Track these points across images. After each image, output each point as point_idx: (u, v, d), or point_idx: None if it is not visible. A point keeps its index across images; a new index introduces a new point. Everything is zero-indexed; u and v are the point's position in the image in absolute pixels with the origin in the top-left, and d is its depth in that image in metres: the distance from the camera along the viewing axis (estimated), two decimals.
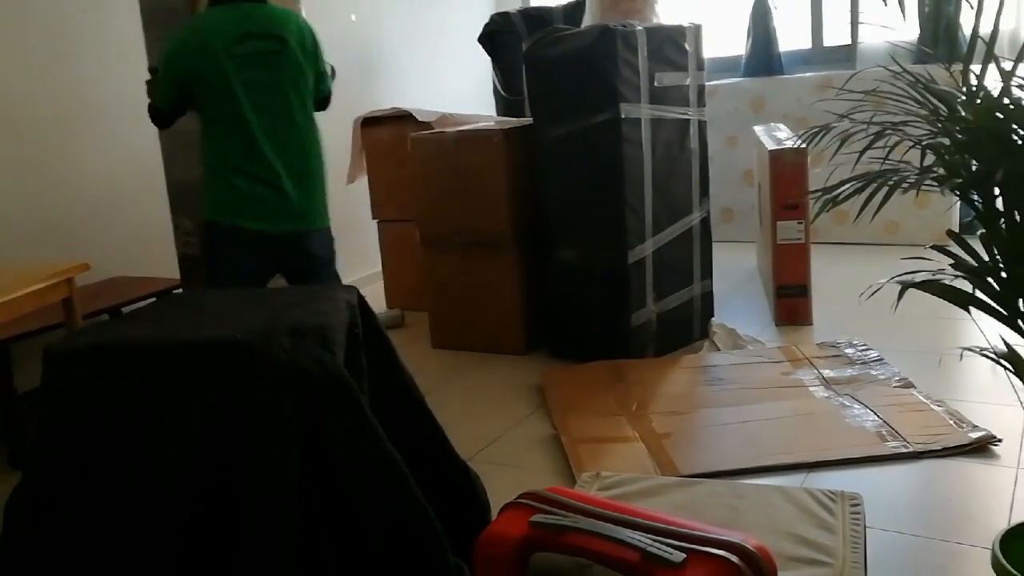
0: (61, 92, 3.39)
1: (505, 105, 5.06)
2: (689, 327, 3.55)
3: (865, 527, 1.65)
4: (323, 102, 2.87)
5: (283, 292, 1.87)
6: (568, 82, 3.26)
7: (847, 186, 1.49)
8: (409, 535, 1.61)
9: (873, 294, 1.68)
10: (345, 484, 1.58)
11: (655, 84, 3.27)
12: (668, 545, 1.18)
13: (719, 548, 1.18)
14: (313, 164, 2.71)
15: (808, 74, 5.12)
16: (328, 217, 2.82)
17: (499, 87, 5.10)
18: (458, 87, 5.67)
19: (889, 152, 1.50)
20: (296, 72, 2.63)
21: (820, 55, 5.38)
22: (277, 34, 2.59)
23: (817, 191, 1.54)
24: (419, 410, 1.91)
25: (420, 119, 4.20)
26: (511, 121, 4.04)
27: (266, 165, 2.60)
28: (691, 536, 1.21)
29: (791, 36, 5.41)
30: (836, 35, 5.33)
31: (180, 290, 3.25)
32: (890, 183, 1.44)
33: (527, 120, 3.65)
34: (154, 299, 3.04)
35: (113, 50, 3.54)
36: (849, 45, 5.21)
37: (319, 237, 2.77)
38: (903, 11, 1.61)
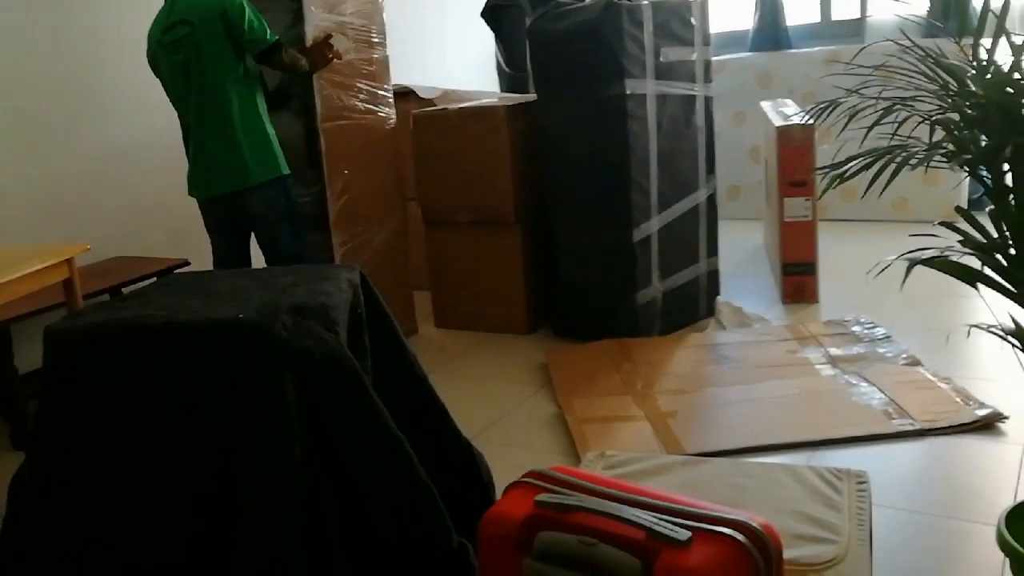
0: (61, 70, 3.36)
1: (509, 81, 5.01)
2: (695, 305, 3.53)
3: (871, 505, 1.64)
4: (264, 58, 2.85)
5: (285, 272, 1.85)
6: (572, 57, 3.23)
7: (855, 163, 1.47)
8: (412, 515, 1.61)
9: (881, 272, 1.66)
10: (348, 464, 1.58)
11: (661, 59, 3.23)
12: (673, 524, 1.18)
13: (724, 526, 1.17)
14: (227, 127, 2.84)
15: (816, 48, 5.07)
16: (263, 173, 2.87)
17: (502, 63, 5.06)
18: (461, 63, 5.62)
19: (898, 128, 1.48)
20: (203, 49, 2.79)
21: (828, 29, 5.31)
22: (187, 18, 2.80)
23: (824, 168, 1.52)
24: (422, 390, 1.90)
25: (422, 96, 4.17)
26: (515, 97, 4.01)
27: (193, 137, 2.91)
28: (696, 515, 1.21)
29: (799, 9, 5.35)
30: (845, 8, 5.26)
31: (185, 268, 3.25)
32: (898, 159, 1.42)
33: (531, 96, 3.62)
34: (155, 279, 3.04)
35: (114, 28, 3.51)
36: (858, 19, 5.15)
37: (253, 195, 2.88)
38: None
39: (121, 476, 1.56)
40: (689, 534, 1.15)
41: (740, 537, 1.15)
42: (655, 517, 1.19)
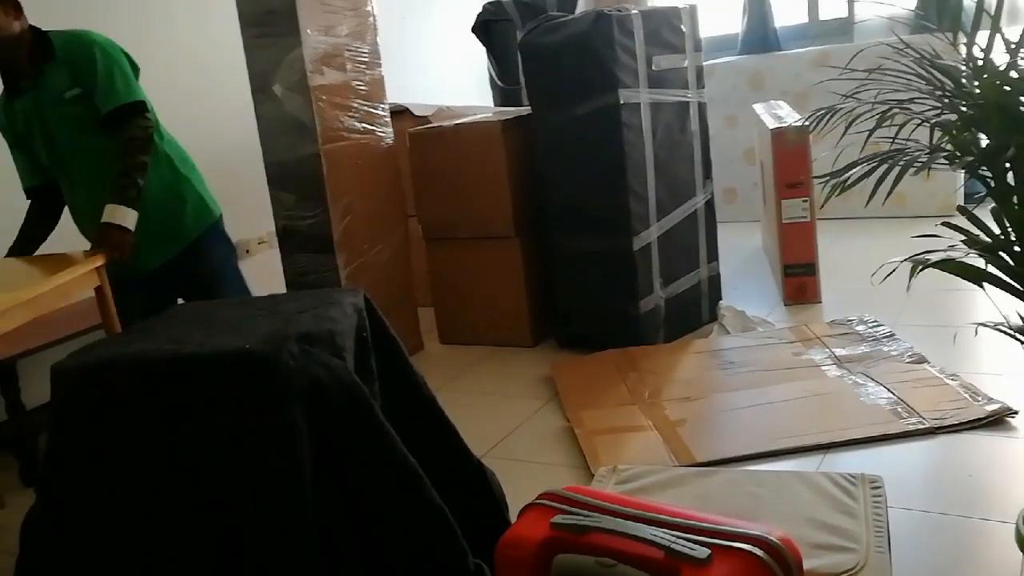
0: None
1: (502, 95, 5.03)
2: (698, 311, 3.53)
3: (887, 509, 1.64)
4: None
5: (289, 299, 1.85)
6: (565, 70, 3.23)
7: (856, 170, 1.47)
8: (427, 539, 1.60)
9: (887, 276, 1.66)
10: (360, 490, 1.57)
11: (653, 68, 3.24)
12: (692, 541, 1.17)
13: (743, 542, 1.17)
14: None
15: (805, 49, 5.08)
16: None
17: (495, 77, 5.08)
18: (454, 79, 5.63)
19: (898, 132, 1.48)
20: None
21: (817, 28, 5.33)
22: None
23: (825, 175, 1.51)
24: (431, 410, 1.90)
25: (417, 114, 4.18)
26: (509, 111, 4.01)
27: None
28: (714, 530, 1.20)
29: (787, 10, 5.37)
30: (832, 7, 5.29)
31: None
32: (900, 164, 1.42)
33: (525, 109, 3.62)
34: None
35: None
36: (846, 17, 5.18)
37: None
38: None
39: (132, 512, 1.56)
40: (708, 551, 1.14)
41: (760, 552, 1.14)
42: (673, 535, 1.18)
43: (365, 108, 3.40)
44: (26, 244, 2.58)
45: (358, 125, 3.37)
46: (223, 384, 1.54)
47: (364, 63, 3.42)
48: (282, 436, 1.50)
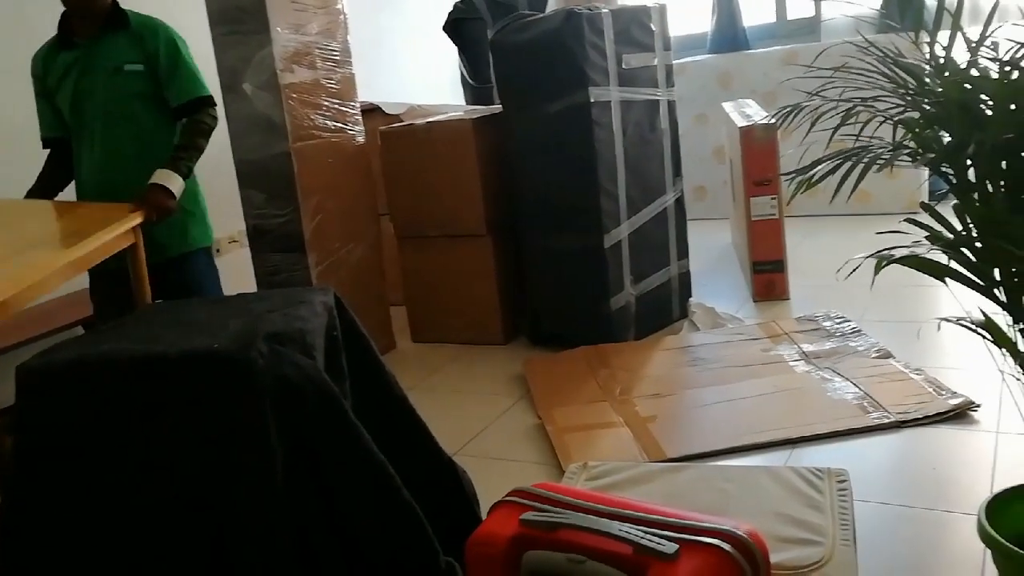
0: None
1: (473, 94, 5.02)
2: (668, 308, 3.55)
3: (853, 502, 1.66)
4: None
5: (260, 299, 1.84)
6: (536, 68, 3.24)
7: (821, 167, 1.49)
8: (398, 538, 1.60)
9: (852, 272, 1.68)
10: (331, 489, 1.57)
11: (623, 66, 3.25)
12: (660, 536, 1.18)
13: (710, 536, 1.18)
14: None
15: (774, 48, 5.13)
16: None
17: (466, 76, 5.07)
18: (425, 77, 5.62)
19: (862, 129, 1.50)
20: None
21: (785, 28, 5.39)
22: None
23: (791, 172, 1.53)
24: (402, 408, 1.90)
25: (389, 112, 4.17)
26: (480, 110, 4.02)
27: None
28: (682, 526, 1.21)
29: (755, 10, 5.42)
30: (800, 7, 5.34)
31: None
32: (864, 161, 1.44)
33: (496, 108, 3.63)
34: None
35: None
36: (813, 17, 5.23)
37: None
38: None
39: (107, 513, 1.54)
40: (676, 547, 1.15)
41: (727, 547, 1.16)
42: (641, 531, 1.20)
43: (336, 106, 3.39)
44: (46, 190, 2.62)
45: (329, 123, 3.35)
46: (193, 384, 1.52)
47: (335, 61, 3.41)
48: (252, 435, 1.49)
